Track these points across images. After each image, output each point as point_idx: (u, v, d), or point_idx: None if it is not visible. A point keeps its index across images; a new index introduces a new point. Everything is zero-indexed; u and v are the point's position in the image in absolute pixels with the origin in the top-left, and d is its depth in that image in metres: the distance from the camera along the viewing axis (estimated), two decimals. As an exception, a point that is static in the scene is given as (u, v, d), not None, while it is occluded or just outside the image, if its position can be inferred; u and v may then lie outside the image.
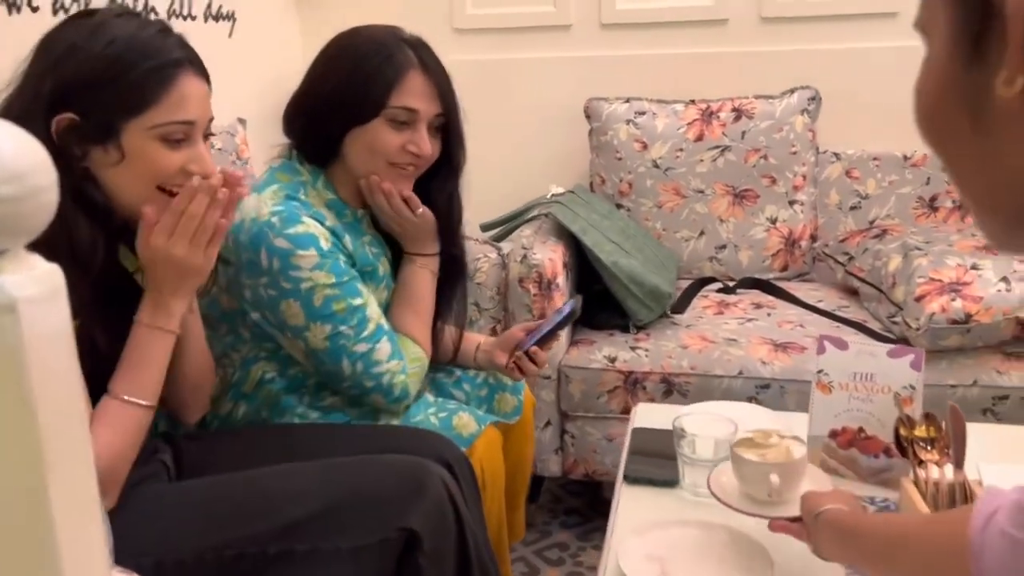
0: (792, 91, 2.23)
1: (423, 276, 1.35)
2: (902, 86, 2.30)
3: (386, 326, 1.27)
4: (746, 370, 1.77)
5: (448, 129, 1.30)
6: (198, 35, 1.10)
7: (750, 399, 1.75)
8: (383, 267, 1.35)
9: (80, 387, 0.48)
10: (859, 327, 1.89)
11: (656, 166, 2.22)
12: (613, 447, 1.87)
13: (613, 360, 1.83)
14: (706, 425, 1.23)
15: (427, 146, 1.26)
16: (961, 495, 1.06)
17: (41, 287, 0.42)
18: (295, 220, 1.20)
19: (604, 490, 2.11)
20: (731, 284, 2.17)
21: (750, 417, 1.37)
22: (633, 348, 1.84)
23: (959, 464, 1.09)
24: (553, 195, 2.14)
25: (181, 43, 1.05)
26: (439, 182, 1.34)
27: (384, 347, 1.25)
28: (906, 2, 2.46)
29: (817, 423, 1.28)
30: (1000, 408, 1.66)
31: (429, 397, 1.33)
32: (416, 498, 1.07)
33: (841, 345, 1.25)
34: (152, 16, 1.11)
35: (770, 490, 1.05)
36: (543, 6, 2.44)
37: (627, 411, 1.83)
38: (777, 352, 1.80)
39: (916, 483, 1.08)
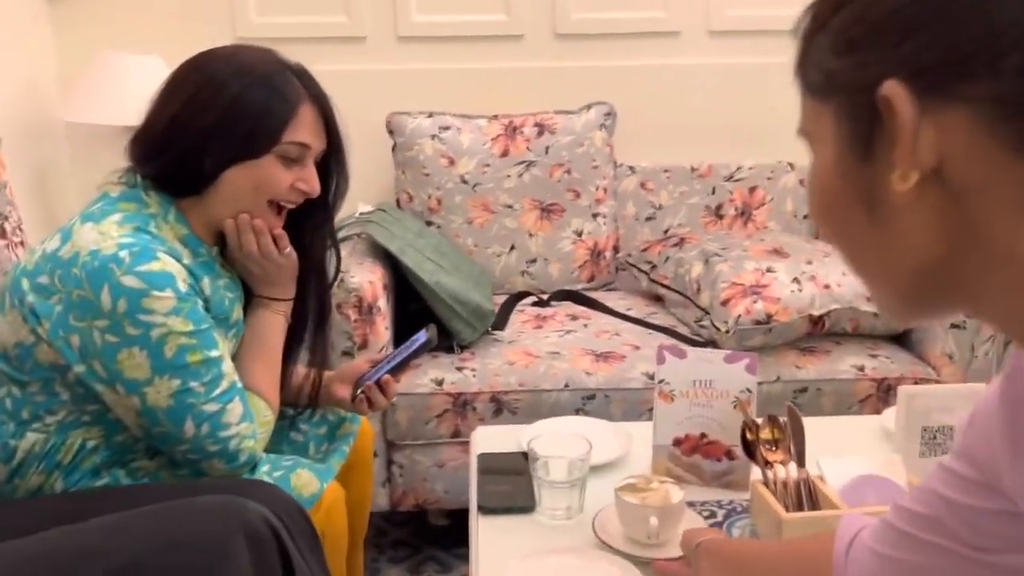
0: (589, 107, 2.29)
1: (277, 323, 1.22)
2: (686, 101, 2.44)
3: (239, 384, 1.13)
4: (572, 382, 1.78)
5: (330, 164, 1.20)
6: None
7: (577, 411, 1.76)
8: (236, 313, 1.20)
9: None
10: (670, 332, 1.96)
11: (464, 182, 2.19)
12: (444, 473, 1.80)
13: (440, 383, 1.76)
14: (558, 445, 1.21)
15: (316, 183, 1.16)
16: (806, 491, 1.12)
17: None
18: (149, 256, 1.03)
19: (431, 517, 2.03)
20: (544, 297, 2.19)
21: (593, 432, 1.36)
22: (459, 369, 1.79)
23: (801, 462, 1.14)
24: (361, 214, 2.05)
25: None
26: (314, 221, 1.22)
27: (236, 408, 1.11)
28: (687, 23, 2.62)
29: (661, 432, 1.29)
30: (801, 400, 1.80)
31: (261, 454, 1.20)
32: (234, 547, 0.93)
33: (679, 354, 1.27)
34: None
35: (649, 532, 1.06)
36: (335, 16, 2.33)
37: (457, 435, 1.78)
38: (599, 362, 1.82)
39: (766, 484, 1.12)
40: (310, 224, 1.22)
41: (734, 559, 0.87)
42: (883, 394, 1.82)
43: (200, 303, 1.09)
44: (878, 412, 1.63)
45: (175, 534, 0.94)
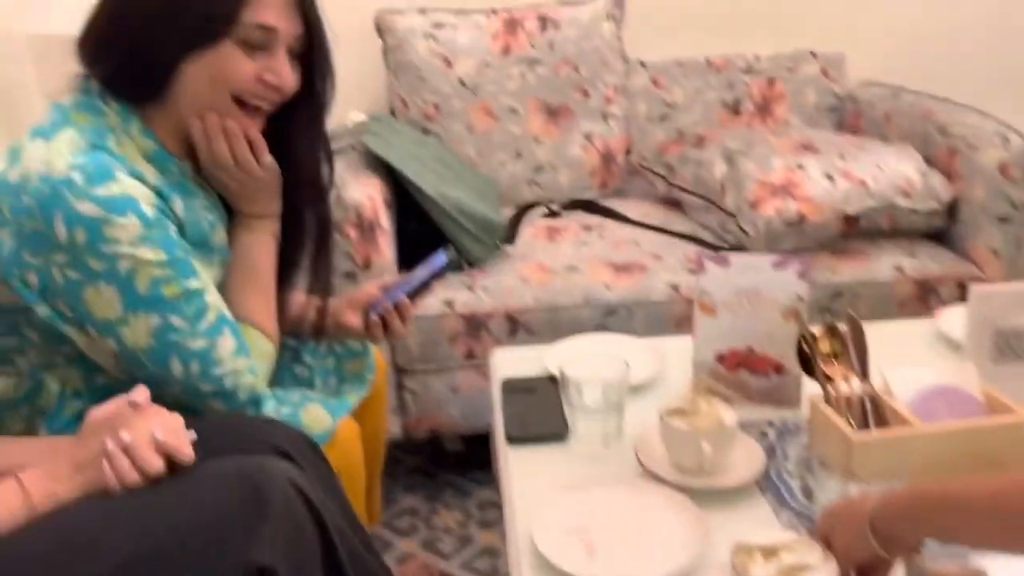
0: (595, -6, 2.10)
1: (265, 244, 1.08)
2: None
3: (228, 315, 1.00)
4: (591, 297, 1.66)
5: (311, 54, 1.03)
6: None
7: (598, 327, 1.65)
8: (219, 237, 1.05)
9: None
10: (692, 239, 1.83)
11: (463, 85, 2.02)
12: (459, 398, 1.70)
13: (451, 304, 1.64)
14: (590, 366, 1.10)
15: (289, 75, 0.99)
16: (873, 408, 1.01)
17: None
18: (106, 176, 0.89)
19: (445, 443, 1.95)
20: (555, 208, 2.04)
21: (622, 350, 1.25)
22: (470, 288, 1.66)
23: (864, 375, 1.03)
24: (355, 124, 1.88)
25: None
26: (300, 124, 1.06)
27: (227, 342, 0.98)
28: None
29: (702, 347, 1.18)
30: (836, 306, 1.68)
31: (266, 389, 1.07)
32: (259, 518, 0.83)
33: (722, 262, 1.15)
34: None
35: (702, 459, 0.96)
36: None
37: (471, 356, 1.67)
38: (619, 274, 1.70)
39: (827, 401, 1.01)
40: (294, 128, 1.06)
41: (963, 502, 0.67)
42: (924, 296, 1.71)
43: (172, 228, 0.95)
44: (919, 316, 1.53)
45: (188, 521, 0.82)
